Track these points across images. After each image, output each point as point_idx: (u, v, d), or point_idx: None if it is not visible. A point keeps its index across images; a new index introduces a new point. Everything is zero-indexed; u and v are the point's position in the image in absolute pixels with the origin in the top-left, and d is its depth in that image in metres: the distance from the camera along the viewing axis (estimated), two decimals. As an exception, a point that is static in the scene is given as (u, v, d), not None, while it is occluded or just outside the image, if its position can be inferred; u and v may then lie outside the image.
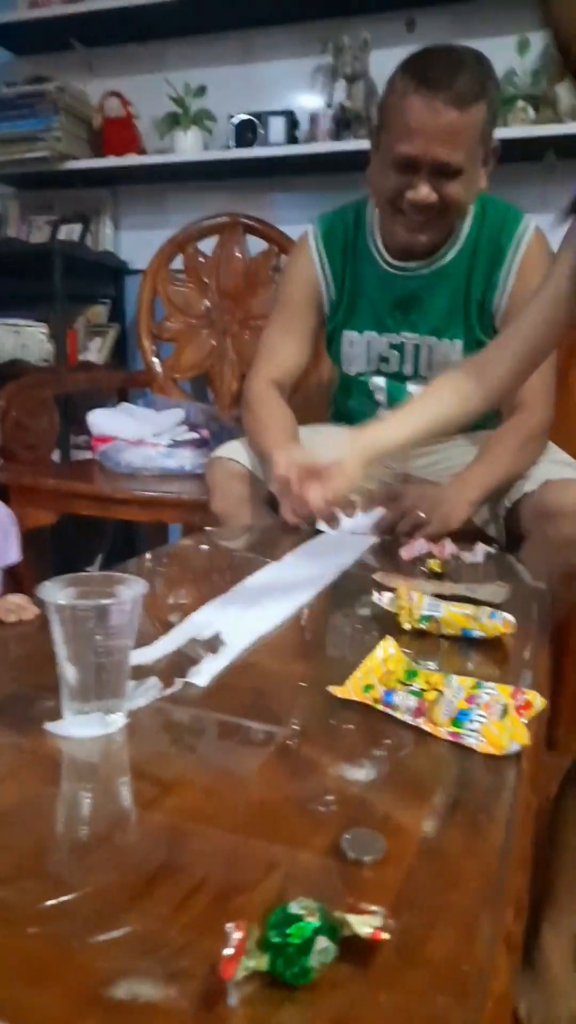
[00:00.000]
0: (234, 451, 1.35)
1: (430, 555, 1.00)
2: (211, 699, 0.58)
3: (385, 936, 0.32)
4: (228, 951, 0.29)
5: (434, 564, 0.94)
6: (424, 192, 1.13)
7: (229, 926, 0.30)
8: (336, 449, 0.89)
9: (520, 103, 1.73)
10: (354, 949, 0.32)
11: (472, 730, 0.50)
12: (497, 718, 0.51)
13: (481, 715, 0.51)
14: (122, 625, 0.50)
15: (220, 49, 2.11)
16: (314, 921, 0.31)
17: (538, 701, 0.53)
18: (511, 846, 0.40)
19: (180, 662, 0.65)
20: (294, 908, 0.32)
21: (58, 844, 0.42)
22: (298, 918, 0.31)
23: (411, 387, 1.36)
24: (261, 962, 0.30)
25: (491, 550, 1.05)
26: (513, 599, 0.80)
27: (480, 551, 1.03)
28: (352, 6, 1.89)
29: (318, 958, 0.31)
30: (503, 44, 1.74)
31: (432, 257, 1.26)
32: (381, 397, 1.38)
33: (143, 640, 0.68)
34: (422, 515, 1.12)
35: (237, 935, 0.30)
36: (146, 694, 0.57)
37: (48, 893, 0.37)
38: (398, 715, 0.54)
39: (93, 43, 2.16)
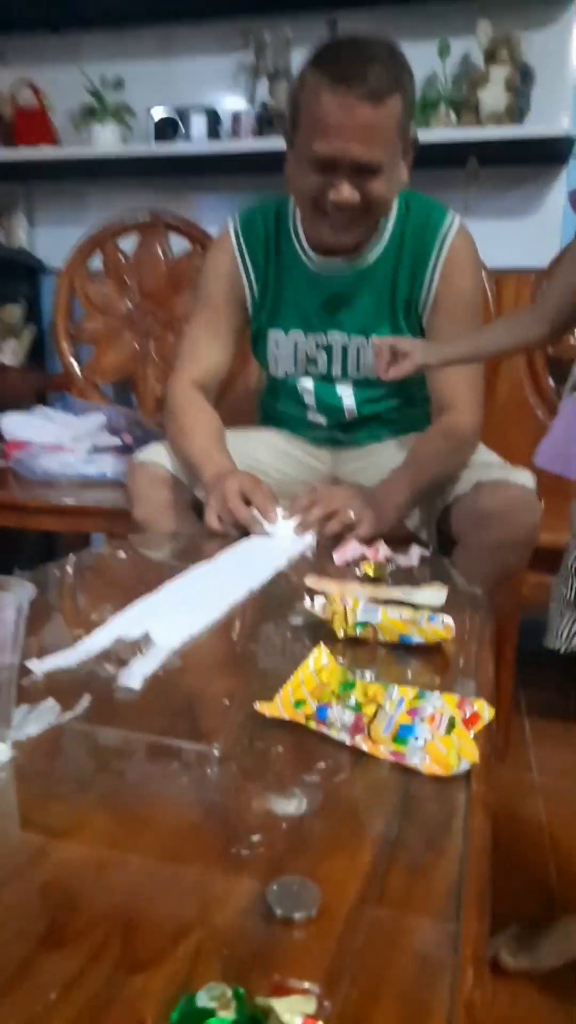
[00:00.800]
0: (156, 455, 1.27)
1: (363, 558, 0.95)
2: (121, 720, 0.51)
3: (320, 1025, 0.25)
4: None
5: (368, 567, 0.89)
6: (346, 192, 1.08)
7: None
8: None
9: (443, 107, 1.72)
10: (281, 1043, 0.25)
11: (416, 748, 0.45)
12: (443, 733, 0.45)
13: (425, 730, 0.45)
14: (2, 639, 0.42)
15: (138, 42, 2.04)
16: (228, 1016, 0.24)
17: (486, 712, 0.48)
18: (466, 887, 0.34)
19: (102, 668, 0.57)
20: (203, 999, 0.25)
21: None
22: (208, 1013, 0.24)
23: (340, 389, 1.31)
24: (160, 1075, 0.23)
25: (426, 553, 1.01)
26: (451, 603, 0.76)
27: (415, 554, 0.99)
28: (273, 4, 1.85)
29: (235, 1064, 0.24)
30: (425, 48, 1.72)
31: (357, 255, 1.22)
32: (310, 400, 1.33)
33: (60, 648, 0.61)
34: (352, 515, 1.07)
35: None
36: (39, 720, 0.48)
37: None
38: (333, 733, 0.47)
39: (4, 29, 2.05)
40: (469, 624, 0.73)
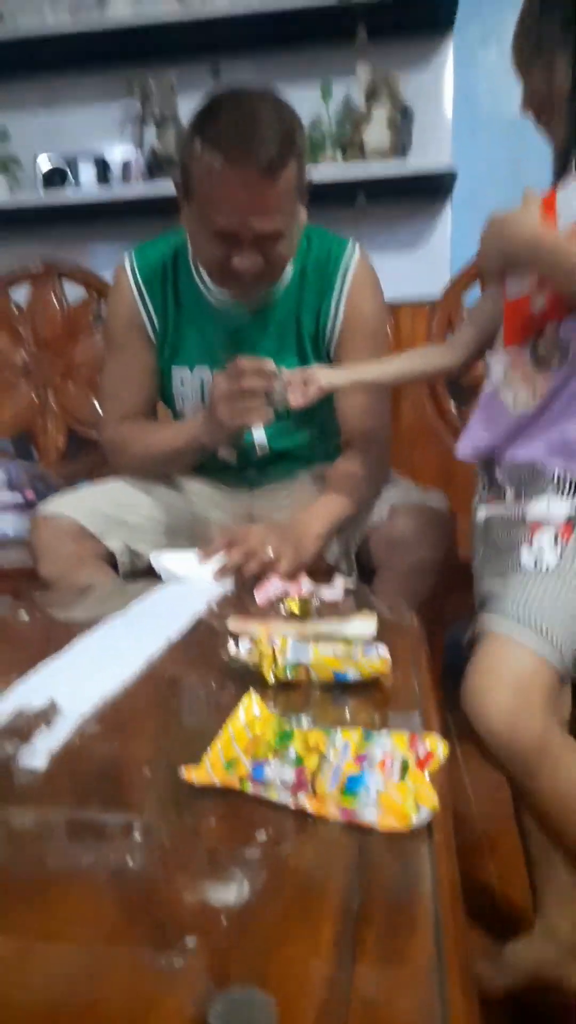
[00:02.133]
0: (61, 506, 1.19)
1: (286, 595, 0.90)
2: (22, 806, 0.43)
3: None
4: None
5: (292, 604, 0.84)
6: (249, 262, 1.07)
7: None
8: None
9: (328, 147, 1.76)
10: None
11: (368, 801, 0.39)
12: (396, 779, 0.40)
13: (377, 778, 0.40)
14: None
15: (21, 94, 2.00)
16: None
17: (440, 748, 0.43)
18: (448, 965, 0.28)
19: (3, 745, 0.49)
20: None
21: None
22: None
23: (251, 423, 1.27)
24: None
25: (350, 584, 0.97)
26: (382, 632, 0.71)
27: (339, 585, 0.95)
28: (157, 52, 1.86)
29: None
30: (308, 90, 1.76)
31: None
32: (220, 437, 1.28)
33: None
34: (270, 553, 1.03)
35: None
36: None
37: None
38: (272, 796, 0.41)
39: None
40: (404, 652, 0.69)
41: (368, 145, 1.70)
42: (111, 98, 1.95)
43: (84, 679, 0.62)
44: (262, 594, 0.92)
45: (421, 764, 0.41)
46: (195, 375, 1.25)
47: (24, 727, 0.52)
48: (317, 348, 1.23)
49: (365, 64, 1.68)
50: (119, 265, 1.26)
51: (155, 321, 1.24)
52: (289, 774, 0.41)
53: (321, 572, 1.08)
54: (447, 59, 1.77)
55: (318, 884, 0.34)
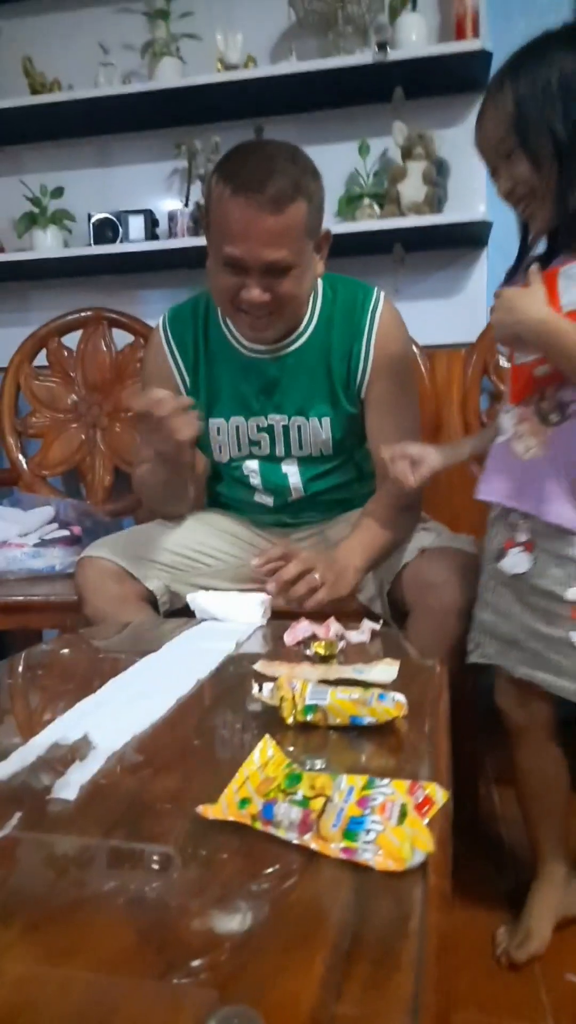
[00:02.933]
0: (104, 550, 1.25)
1: (314, 637, 0.93)
2: (52, 835, 0.47)
3: None
4: None
5: (319, 646, 0.87)
6: (256, 293, 1.12)
7: None
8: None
9: (366, 201, 1.83)
10: None
11: (367, 842, 0.42)
12: (395, 823, 0.43)
13: (376, 821, 0.43)
14: None
15: (77, 154, 2.13)
16: None
17: (439, 795, 0.46)
18: (421, 1003, 0.31)
19: (36, 778, 0.54)
20: None
21: None
22: None
23: (285, 467, 1.32)
24: None
25: (376, 627, 0.99)
26: (403, 678, 0.74)
27: (366, 629, 0.98)
28: (203, 114, 1.97)
29: None
30: (346, 148, 1.84)
31: (286, 341, 1.25)
32: (256, 480, 1.34)
33: None
34: (316, 577, 1.07)
35: None
36: (-36, 847, 0.45)
37: None
38: (280, 833, 0.45)
39: (-56, 147, 2.13)
40: (423, 699, 0.71)
41: (404, 198, 1.76)
42: (160, 157, 2.06)
43: (117, 716, 0.66)
44: (291, 635, 0.95)
45: (419, 809, 0.44)
46: (231, 424, 1.30)
47: (59, 760, 0.57)
48: (348, 392, 1.27)
49: (400, 123, 1.75)
50: (156, 324, 1.34)
51: (186, 377, 1.30)
52: (296, 815, 0.45)
53: (352, 614, 1.11)
54: (480, 116, 1.83)
55: (315, 918, 0.37)
